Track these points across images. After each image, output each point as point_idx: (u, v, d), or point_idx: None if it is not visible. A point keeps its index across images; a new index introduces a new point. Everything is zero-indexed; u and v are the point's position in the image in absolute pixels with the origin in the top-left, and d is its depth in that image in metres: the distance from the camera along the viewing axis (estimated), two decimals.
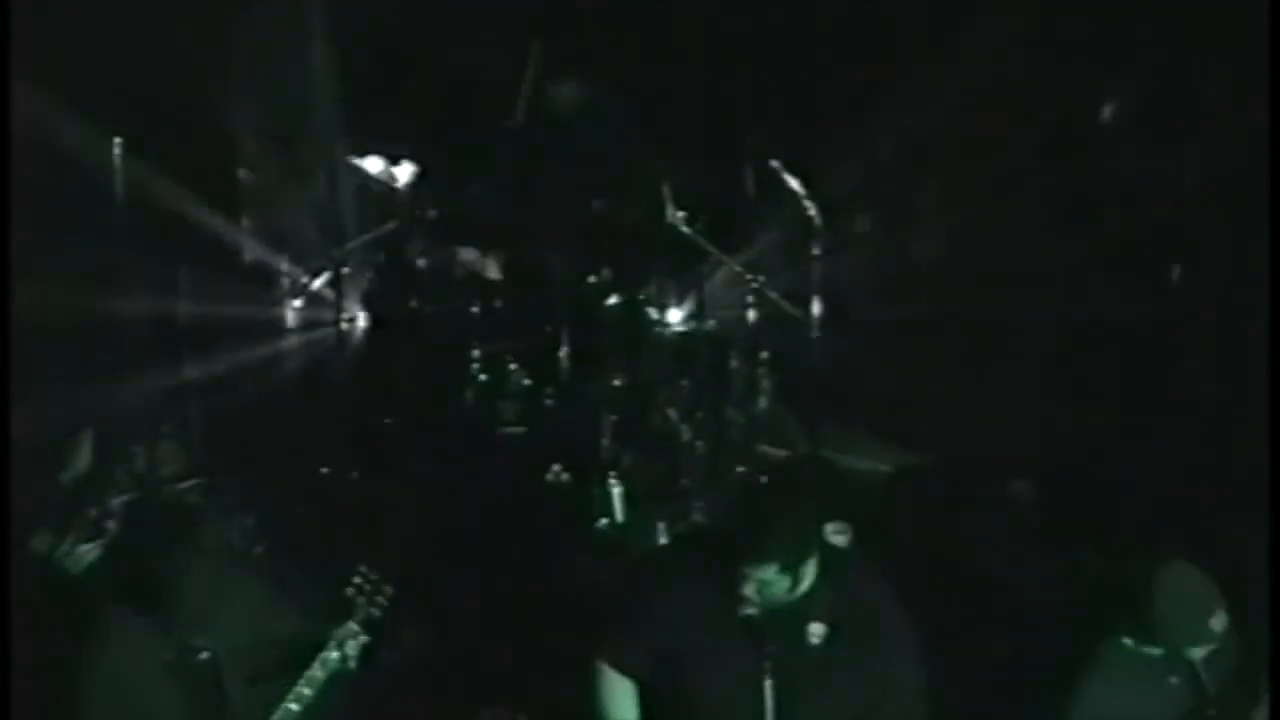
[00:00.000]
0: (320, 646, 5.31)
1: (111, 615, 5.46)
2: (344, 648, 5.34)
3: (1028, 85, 8.98)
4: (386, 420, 8.93)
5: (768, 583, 5.17)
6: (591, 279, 8.99)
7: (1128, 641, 5.49)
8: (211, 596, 5.40)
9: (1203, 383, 7.85)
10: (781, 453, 8.99)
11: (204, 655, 5.33)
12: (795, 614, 5.26)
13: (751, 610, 5.23)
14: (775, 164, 8.98)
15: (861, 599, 5.34)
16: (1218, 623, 5.31)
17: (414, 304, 9.11)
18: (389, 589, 5.51)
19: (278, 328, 9.48)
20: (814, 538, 5.31)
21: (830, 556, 5.37)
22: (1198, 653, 5.34)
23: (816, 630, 5.25)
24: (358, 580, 5.50)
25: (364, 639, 5.39)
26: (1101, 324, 8.79)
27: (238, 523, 7.28)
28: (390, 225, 9.35)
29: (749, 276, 8.89)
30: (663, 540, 8.13)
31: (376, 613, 5.49)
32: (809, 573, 5.25)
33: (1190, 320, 8.47)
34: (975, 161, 9.34)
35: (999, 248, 9.27)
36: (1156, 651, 5.42)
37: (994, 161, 9.21)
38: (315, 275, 9.37)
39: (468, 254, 9.18)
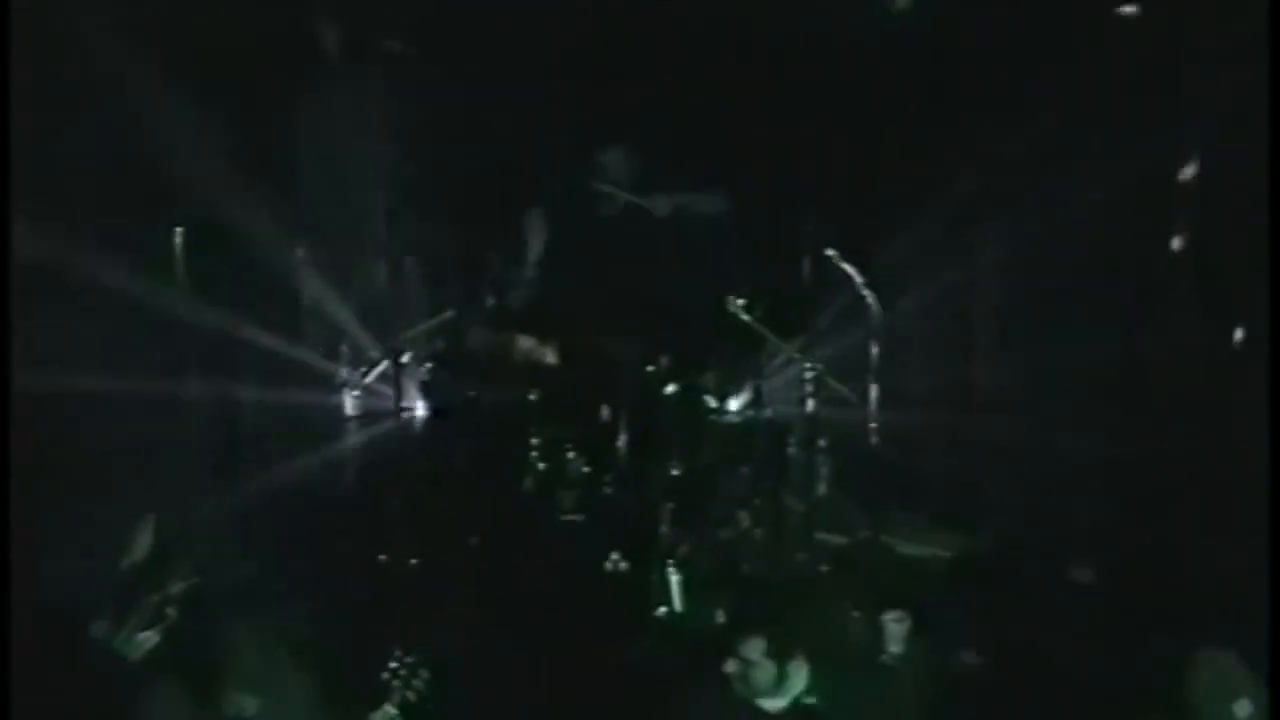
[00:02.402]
0: None
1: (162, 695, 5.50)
2: None
3: (1082, 167, 8.96)
4: (445, 508, 8.94)
5: (752, 664, 5.26)
6: (650, 367, 8.98)
7: None
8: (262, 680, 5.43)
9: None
10: (840, 539, 8.98)
11: None
12: (795, 713, 5.53)
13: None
14: (831, 252, 9.00)
15: (864, 698, 5.43)
16: (1241, 710, 5.49)
17: (472, 392, 9.14)
18: (425, 673, 5.50)
19: (337, 417, 9.52)
20: (807, 633, 5.39)
21: (828, 657, 5.47)
22: None
23: None
24: (394, 664, 5.50)
25: None
26: (1164, 405, 8.74)
27: (294, 609, 7.29)
28: (448, 314, 9.42)
29: (807, 363, 8.89)
30: None
31: (413, 696, 5.48)
32: (798, 672, 5.31)
33: (1254, 404, 8.38)
34: (1030, 244, 9.31)
35: (1060, 331, 9.23)
36: None
37: (1049, 244, 9.18)
38: (374, 365, 9.44)
39: (526, 342, 9.21)
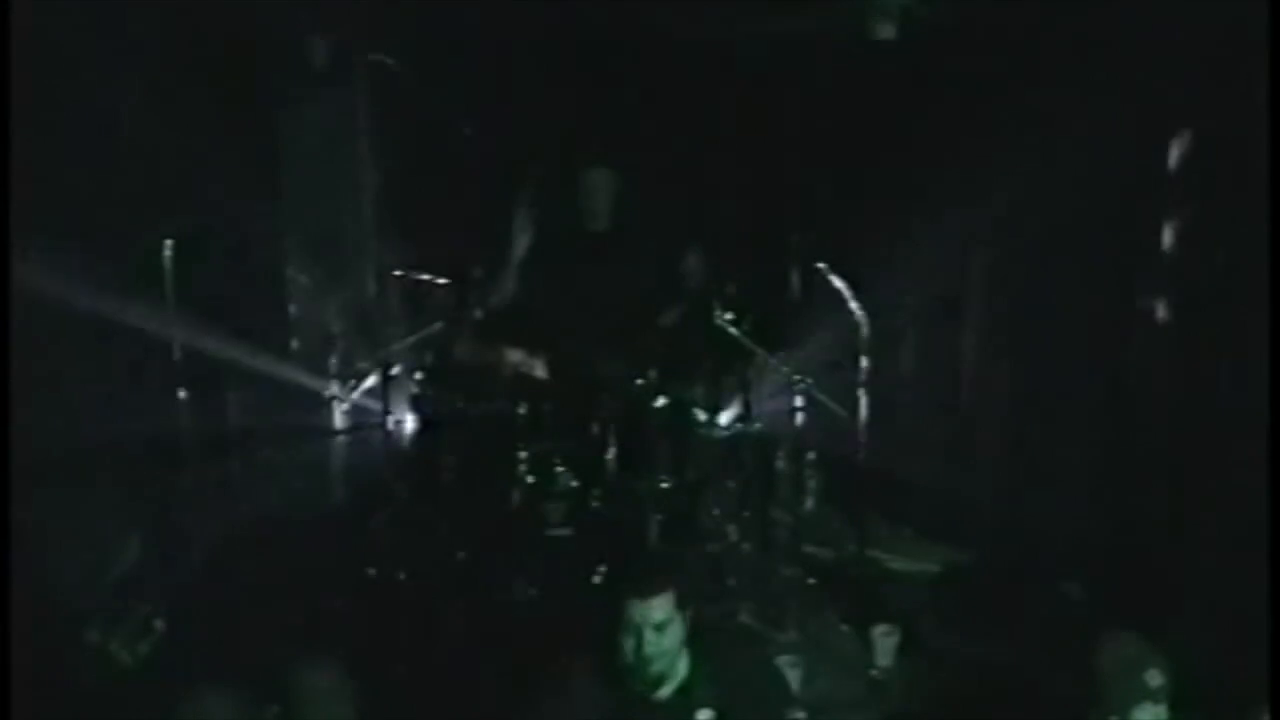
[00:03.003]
0: None
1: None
2: None
3: (1077, 181, 8.97)
4: (432, 521, 8.92)
5: (659, 624, 5.48)
6: (639, 380, 8.97)
7: None
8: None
9: (1256, 481, 7.78)
10: (828, 553, 9.00)
11: None
12: (682, 702, 5.59)
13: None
14: (821, 265, 9.00)
15: (749, 683, 5.76)
16: (1153, 679, 5.64)
17: (460, 405, 9.12)
18: None
19: (324, 429, 9.51)
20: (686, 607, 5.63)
21: (712, 643, 5.72)
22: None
23: (704, 716, 5.54)
24: None
25: None
26: (1153, 420, 8.76)
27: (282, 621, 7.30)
28: (436, 326, 9.41)
29: (796, 377, 8.89)
30: None
31: None
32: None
33: (1246, 418, 8.39)
34: (1023, 259, 9.33)
35: (1047, 345, 9.25)
36: None
37: (1042, 258, 9.20)
38: (361, 377, 9.43)
39: (514, 355, 9.19)
